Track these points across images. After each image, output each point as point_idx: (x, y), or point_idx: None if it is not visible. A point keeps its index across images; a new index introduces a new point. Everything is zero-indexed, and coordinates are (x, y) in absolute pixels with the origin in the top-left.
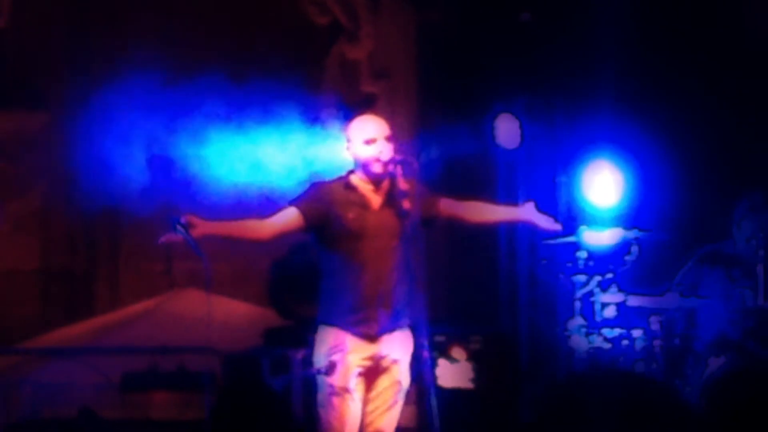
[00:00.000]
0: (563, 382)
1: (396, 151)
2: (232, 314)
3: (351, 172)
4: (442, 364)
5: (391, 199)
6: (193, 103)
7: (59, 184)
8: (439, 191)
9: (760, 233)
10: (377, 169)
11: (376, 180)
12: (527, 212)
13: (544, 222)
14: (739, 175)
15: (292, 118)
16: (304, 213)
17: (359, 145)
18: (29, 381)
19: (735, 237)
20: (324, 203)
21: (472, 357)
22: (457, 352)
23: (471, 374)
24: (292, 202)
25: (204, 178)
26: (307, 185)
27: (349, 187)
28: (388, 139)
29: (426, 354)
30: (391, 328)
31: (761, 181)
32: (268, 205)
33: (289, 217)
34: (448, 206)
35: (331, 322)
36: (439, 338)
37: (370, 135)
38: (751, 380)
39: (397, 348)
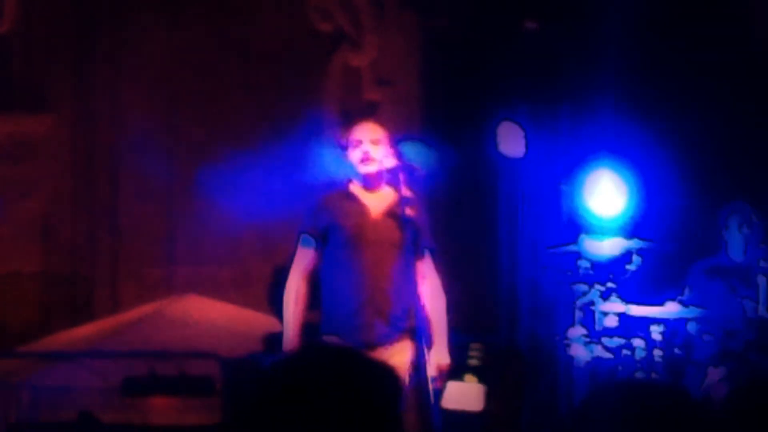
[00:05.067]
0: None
1: (399, 158)
2: (233, 320)
3: (350, 180)
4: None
5: (393, 208)
6: (197, 108)
7: (62, 189)
8: (441, 200)
9: (764, 244)
10: (362, 170)
11: (367, 185)
12: (435, 349)
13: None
14: (744, 185)
15: (294, 125)
16: (315, 236)
17: (350, 149)
18: (29, 384)
19: (728, 244)
20: (325, 215)
21: (474, 368)
22: (469, 378)
23: (480, 396)
24: (303, 230)
25: (209, 185)
26: (310, 201)
27: (349, 195)
28: (375, 141)
29: (425, 361)
30: (388, 337)
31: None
32: (275, 211)
33: (311, 254)
34: (422, 264)
35: (331, 330)
36: None
37: (356, 137)
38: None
39: (395, 356)
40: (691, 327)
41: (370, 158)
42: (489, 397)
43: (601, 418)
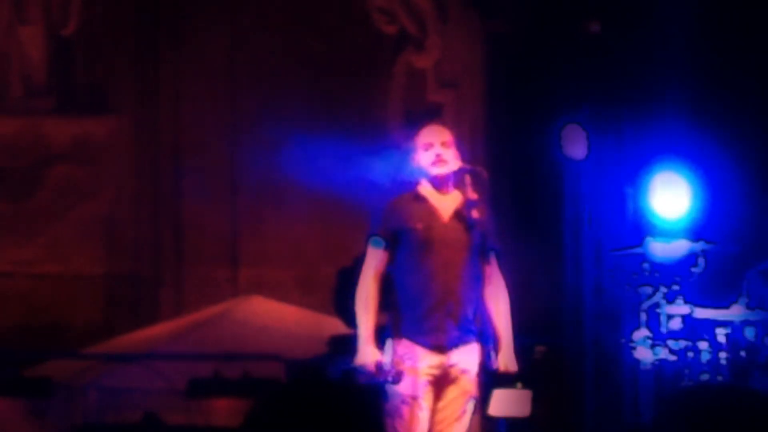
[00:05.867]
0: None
1: (464, 160)
2: (298, 322)
3: (419, 183)
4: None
5: (461, 210)
6: (260, 109)
7: (125, 190)
8: (505, 202)
9: None
10: (433, 171)
11: (438, 187)
12: (502, 353)
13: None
14: None
15: (360, 127)
16: (386, 239)
17: (419, 151)
18: (95, 386)
19: None
20: (395, 218)
21: (535, 367)
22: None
23: (527, 401)
24: (374, 233)
25: (274, 186)
26: (380, 204)
27: (419, 198)
28: (445, 144)
29: (493, 364)
30: (459, 340)
31: None
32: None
33: (381, 255)
34: (488, 266)
35: (400, 334)
36: None
37: (426, 140)
38: None
39: (466, 358)
40: (749, 332)
41: (442, 160)
42: (536, 401)
43: (680, 425)
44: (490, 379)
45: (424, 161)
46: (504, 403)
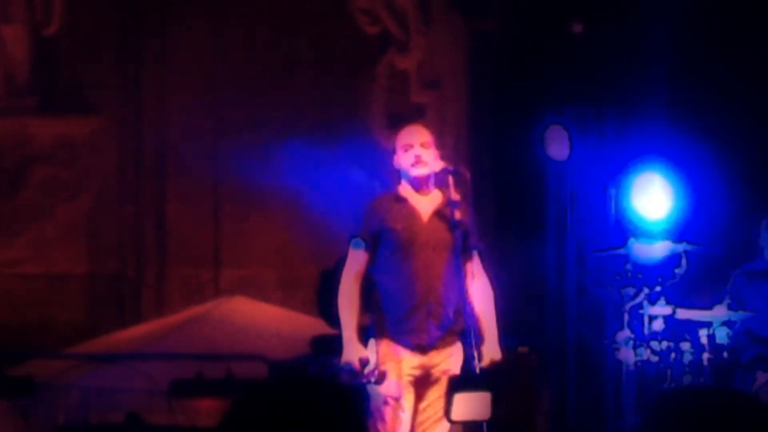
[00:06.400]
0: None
1: (447, 161)
2: (280, 322)
3: (399, 183)
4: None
5: (442, 210)
6: (243, 109)
7: (108, 190)
8: (488, 203)
9: None
10: (413, 173)
11: (418, 188)
12: (486, 345)
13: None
14: None
15: (341, 128)
16: (366, 240)
17: (399, 152)
18: (77, 386)
19: (765, 249)
20: (376, 219)
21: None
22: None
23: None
24: (354, 235)
25: (255, 186)
26: (360, 205)
27: (399, 199)
28: (425, 145)
29: (476, 364)
30: (441, 340)
31: None
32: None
33: (362, 256)
34: (471, 264)
35: (383, 335)
36: None
37: (405, 141)
38: None
39: (448, 359)
40: (721, 333)
41: (422, 161)
42: (496, 403)
43: (668, 425)
44: (453, 384)
45: (404, 162)
46: (464, 407)
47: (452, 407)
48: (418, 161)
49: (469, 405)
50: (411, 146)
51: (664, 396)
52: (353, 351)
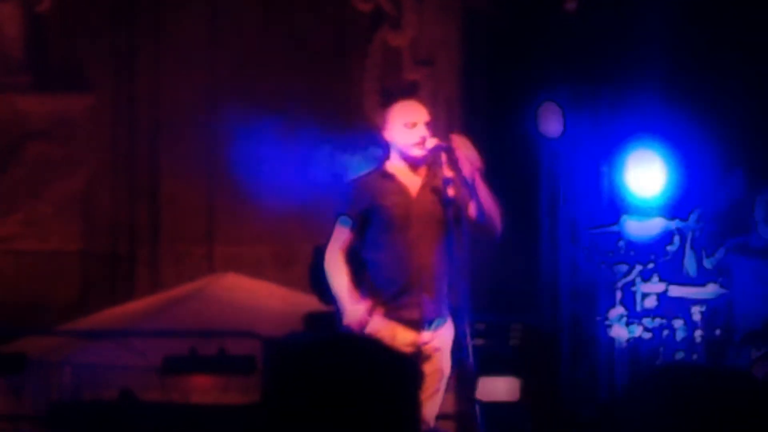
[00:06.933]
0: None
1: (440, 138)
2: (274, 299)
3: (386, 159)
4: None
5: (431, 185)
6: (237, 86)
7: (102, 167)
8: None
9: None
10: (416, 153)
11: (413, 165)
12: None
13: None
14: None
15: (335, 104)
16: (354, 218)
17: (399, 129)
18: (70, 362)
19: (757, 224)
20: (365, 197)
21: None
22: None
23: (515, 388)
24: (341, 212)
25: (249, 163)
26: (347, 186)
27: (386, 175)
28: (428, 124)
29: (467, 341)
30: (435, 314)
31: None
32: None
33: (347, 234)
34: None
35: (375, 312)
36: (480, 326)
37: (410, 119)
38: None
39: (439, 336)
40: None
41: (425, 141)
42: (524, 388)
43: (649, 403)
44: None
45: (405, 139)
46: (491, 391)
47: (479, 390)
48: (422, 141)
49: (497, 389)
50: (414, 124)
51: (650, 371)
52: (355, 311)
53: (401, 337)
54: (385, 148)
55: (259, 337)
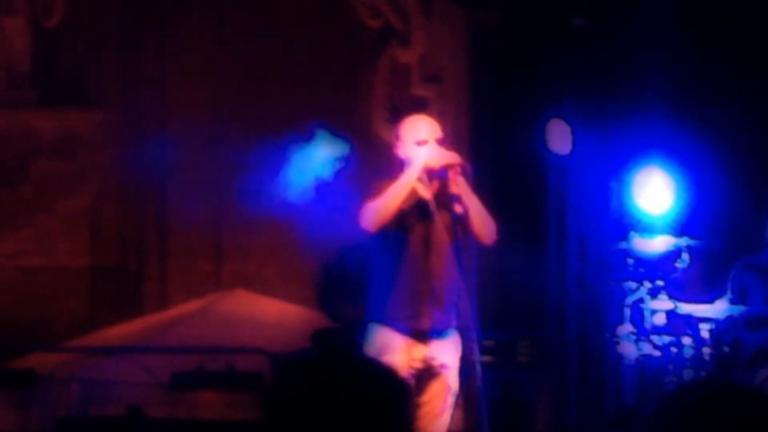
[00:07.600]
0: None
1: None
2: (281, 316)
3: (401, 171)
4: None
5: (442, 198)
6: (244, 102)
7: (110, 183)
8: (489, 197)
9: None
10: (427, 168)
11: (427, 180)
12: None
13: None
14: None
15: (343, 122)
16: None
17: (410, 146)
18: (78, 378)
19: None
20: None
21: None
22: None
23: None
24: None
25: (257, 179)
26: (373, 184)
27: None
28: (439, 141)
29: (475, 357)
30: (443, 324)
31: None
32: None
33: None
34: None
35: (381, 320)
36: (488, 343)
37: (421, 136)
38: None
39: (447, 352)
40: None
41: (435, 159)
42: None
43: (681, 420)
44: None
45: (415, 156)
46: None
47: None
48: (429, 158)
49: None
50: (425, 141)
51: (682, 388)
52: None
53: (408, 352)
54: (399, 163)
55: (267, 354)
